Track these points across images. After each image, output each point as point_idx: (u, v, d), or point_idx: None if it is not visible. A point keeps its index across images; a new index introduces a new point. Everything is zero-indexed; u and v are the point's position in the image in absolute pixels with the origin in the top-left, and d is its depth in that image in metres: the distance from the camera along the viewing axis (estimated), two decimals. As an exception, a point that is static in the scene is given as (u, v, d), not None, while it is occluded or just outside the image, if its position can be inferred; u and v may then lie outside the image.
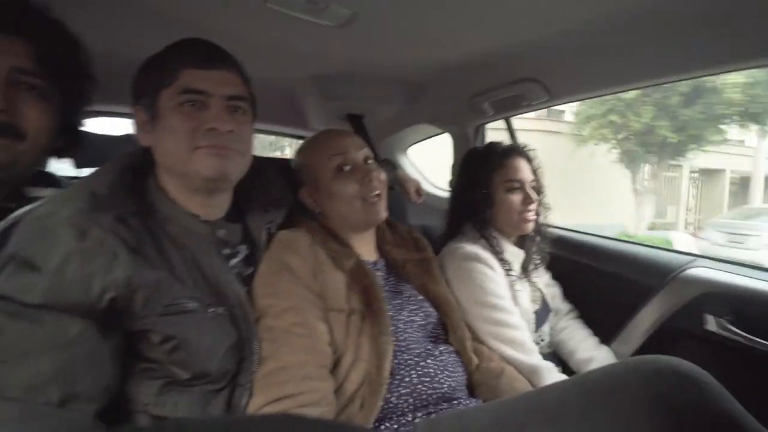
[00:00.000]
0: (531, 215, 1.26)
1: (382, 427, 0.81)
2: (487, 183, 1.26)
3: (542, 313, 1.29)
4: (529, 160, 1.31)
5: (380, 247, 1.10)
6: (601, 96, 1.25)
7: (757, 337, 0.98)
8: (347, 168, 0.99)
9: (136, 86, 0.78)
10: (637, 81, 1.09)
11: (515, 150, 1.30)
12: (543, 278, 1.39)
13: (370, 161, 1.02)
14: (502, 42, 1.12)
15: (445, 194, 2.20)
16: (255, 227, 0.89)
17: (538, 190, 1.31)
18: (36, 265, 0.61)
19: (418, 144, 2.24)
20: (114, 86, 0.83)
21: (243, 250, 0.87)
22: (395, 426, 0.82)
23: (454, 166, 1.86)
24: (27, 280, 0.60)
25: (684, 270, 1.15)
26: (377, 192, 0.98)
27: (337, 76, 1.52)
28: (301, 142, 1.25)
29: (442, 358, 0.94)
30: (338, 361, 0.84)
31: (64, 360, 0.59)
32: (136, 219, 0.70)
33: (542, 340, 1.28)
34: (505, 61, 1.22)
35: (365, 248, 1.05)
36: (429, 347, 0.95)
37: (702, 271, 1.11)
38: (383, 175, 1.03)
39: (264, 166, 0.92)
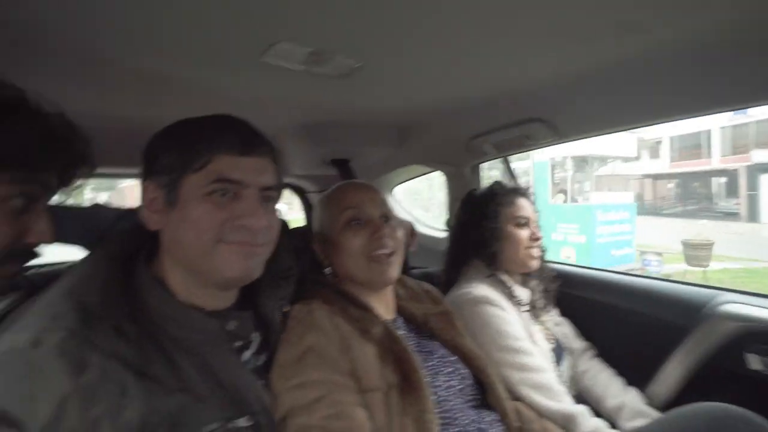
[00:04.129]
0: (537, 252, 1.27)
1: None
2: (495, 218, 1.26)
3: (558, 352, 1.25)
4: (531, 201, 1.33)
5: (395, 303, 1.00)
6: (610, 133, 1.23)
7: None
8: (358, 223, 0.92)
9: (151, 159, 0.67)
10: (648, 118, 1.08)
11: (521, 191, 1.33)
12: (551, 316, 1.35)
13: (389, 219, 0.95)
14: (506, 82, 1.09)
15: (440, 234, 2.13)
16: (269, 309, 0.78)
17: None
18: (18, 420, 0.47)
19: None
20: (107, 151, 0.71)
21: (256, 339, 0.75)
22: None
23: (450, 204, 1.81)
24: None
25: (716, 306, 1.11)
26: (386, 251, 0.90)
27: (328, 123, 1.45)
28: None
29: (492, 430, 0.85)
30: None
31: None
32: (134, 326, 0.58)
33: (564, 383, 1.19)
34: (509, 102, 1.20)
35: (383, 308, 0.95)
36: (474, 416, 0.86)
37: (737, 307, 1.08)
38: (400, 234, 0.95)
39: None
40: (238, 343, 0.71)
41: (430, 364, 0.89)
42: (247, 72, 0.95)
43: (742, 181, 16.50)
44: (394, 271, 0.91)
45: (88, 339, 0.52)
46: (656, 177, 21.03)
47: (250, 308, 0.76)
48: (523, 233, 1.25)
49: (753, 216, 15.44)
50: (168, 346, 0.60)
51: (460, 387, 0.89)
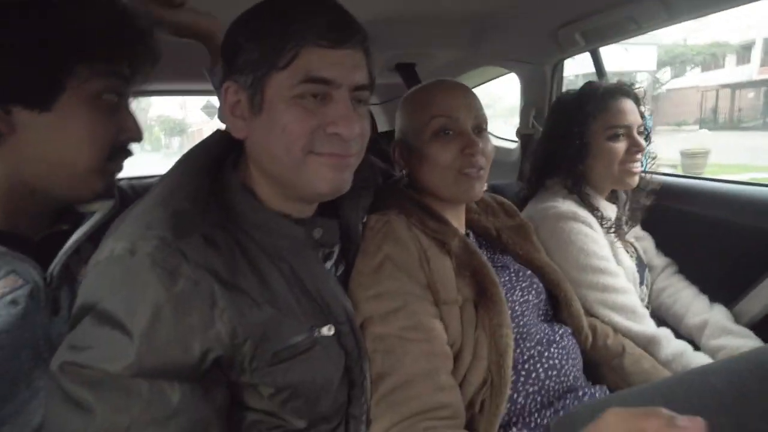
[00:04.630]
0: (637, 166, 1.08)
1: None
2: (583, 131, 1.08)
3: (640, 269, 1.15)
4: (637, 100, 1.11)
5: (466, 217, 0.95)
6: (727, 9, 0.99)
7: None
8: (449, 133, 0.83)
9: (231, 55, 0.59)
10: None
11: (620, 89, 1.09)
12: (633, 230, 1.23)
13: (482, 129, 0.85)
14: None
15: (510, 144, 1.99)
16: (353, 219, 0.75)
17: (646, 136, 1.12)
18: (122, 323, 0.48)
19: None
20: None
21: (337, 248, 0.73)
22: (524, 431, 0.72)
23: (523, 111, 1.65)
24: (111, 342, 0.48)
25: None
26: (478, 167, 0.82)
27: (387, 20, 1.30)
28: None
29: (564, 343, 0.82)
30: (455, 359, 0.73)
31: None
32: (224, 234, 0.56)
33: (642, 300, 1.13)
34: None
35: (458, 222, 0.90)
36: (548, 331, 0.83)
37: None
38: (491, 147, 0.86)
39: None
40: (322, 252, 0.69)
41: (505, 278, 0.85)
42: None
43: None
44: (482, 187, 0.84)
45: (179, 248, 0.51)
46: (735, 87, 18.29)
47: (334, 217, 0.73)
48: (619, 146, 1.06)
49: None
50: (256, 255, 0.58)
51: (535, 301, 0.85)
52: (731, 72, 18.08)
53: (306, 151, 0.57)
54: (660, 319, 1.15)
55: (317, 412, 0.60)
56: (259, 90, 0.57)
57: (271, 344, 0.55)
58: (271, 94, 0.57)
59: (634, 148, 1.06)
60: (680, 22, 1.04)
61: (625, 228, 1.18)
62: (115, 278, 0.50)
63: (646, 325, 0.97)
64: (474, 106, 0.84)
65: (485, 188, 0.88)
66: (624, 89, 1.09)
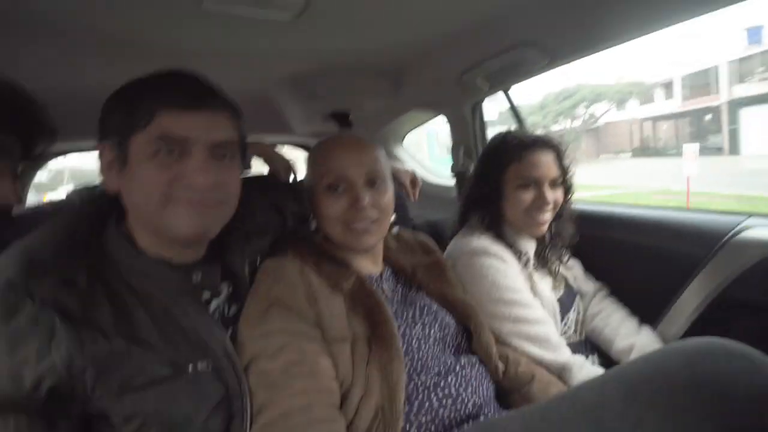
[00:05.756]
0: (543, 217, 1.11)
1: None
2: (498, 177, 1.13)
3: (567, 299, 1.17)
4: (557, 152, 1.13)
5: (385, 255, 0.99)
6: (606, 49, 1.09)
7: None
8: (339, 188, 0.87)
9: (103, 121, 0.66)
10: (647, 27, 0.94)
11: (539, 142, 1.12)
12: (561, 260, 1.26)
13: (375, 183, 0.88)
14: (489, 7, 0.99)
15: (446, 182, 2.07)
16: (236, 264, 0.79)
17: (566, 187, 1.16)
18: None
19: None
20: (73, 122, 0.73)
21: (225, 288, 0.76)
22: None
23: (453, 149, 1.73)
24: None
25: (737, 233, 0.99)
26: (363, 224, 0.86)
27: (312, 73, 1.39)
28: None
29: (465, 372, 0.84)
30: (346, 396, 0.74)
31: None
32: (90, 278, 0.60)
33: (569, 329, 1.16)
34: (496, 28, 1.09)
35: (367, 261, 0.93)
36: (449, 361, 0.84)
37: (760, 232, 0.96)
38: (386, 199, 0.89)
39: (246, 189, 0.79)
40: (206, 294, 0.72)
41: (409, 314, 0.87)
42: (199, 25, 0.90)
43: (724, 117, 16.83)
44: (373, 239, 0.88)
45: (25, 289, 0.54)
46: (655, 119, 21.50)
47: (218, 261, 0.77)
48: (526, 196, 1.09)
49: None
50: (123, 296, 0.62)
51: (439, 335, 0.87)
52: (660, 105, 20.65)
53: (165, 201, 0.63)
54: (594, 345, 1.17)
55: None
56: (124, 149, 0.63)
57: (118, 372, 0.57)
58: (134, 152, 0.63)
59: (539, 201, 1.09)
60: (563, 64, 1.14)
61: (550, 258, 1.20)
62: None
63: (559, 354, 0.98)
64: (366, 162, 0.87)
65: (383, 235, 0.91)
66: (543, 142, 1.12)
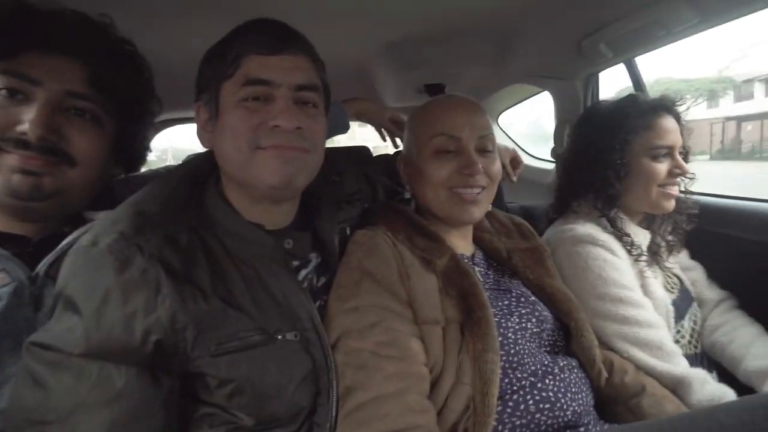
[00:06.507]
0: (675, 189, 1.01)
1: None
2: (624, 149, 1.00)
3: (682, 304, 1.02)
4: (678, 119, 1.02)
5: (476, 236, 0.91)
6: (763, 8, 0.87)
7: None
8: (450, 152, 0.80)
9: (198, 80, 0.69)
10: None
11: (664, 105, 1.01)
12: (679, 259, 1.11)
13: (487, 149, 0.82)
14: None
15: (546, 165, 1.90)
16: (326, 231, 0.77)
17: (686, 157, 1.04)
18: (77, 306, 0.53)
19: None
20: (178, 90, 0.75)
21: (314, 258, 0.75)
22: None
23: (557, 129, 1.57)
24: (69, 324, 0.53)
25: None
26: (475, 190, 0.79)
27: (413, 38, 1.31)
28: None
29: (564, 375, 0.75)
30: (435, 383, 0.69)
31: (113, 416, 0.51)
32: (191, 236, 0.61)
33: (683, 338, 1.00)
34: None
35: (460, 239, 0.86)
36: (547, 362, 0.75)
37: None
38: (496, 168, 0.82)
39: (335, 157, 0.79)
40: (295, 262, 0.71)
41: (504, 303, 0.79)
42: None
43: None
44: (480, 210, 0.81)
45: (135, 243, 0.56)
46: (740, 119, 17.54)
47: (309, 229, 0.76)
48: (661, 167, 0.98)
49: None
50: (220, 257, 0.62)
51: (535, 330, 0.78)
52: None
53: (252, 147, 0.62)
54: (713, 361, 1.02)
55: (267, 413, 0.60)
56: (215, 102, 0.66)
57: (214, 334, 0.58)
58: (223, 102, 0.65)
59: (676, 170, 0.98)
60: (714, 26, 0.94)
61: (665, 256, 1.06)
62: (77, 266, 0.56)
63: (675, 364, 0.85)
64: (479, 125, 0.81)
65: (488, 209, 0.84)
66: (668, 105, 1.01)
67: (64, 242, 0.64)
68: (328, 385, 0.64)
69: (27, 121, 0.61)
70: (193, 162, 0.73)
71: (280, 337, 0.61)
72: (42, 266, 0.62)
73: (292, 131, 0.63)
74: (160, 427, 0.55)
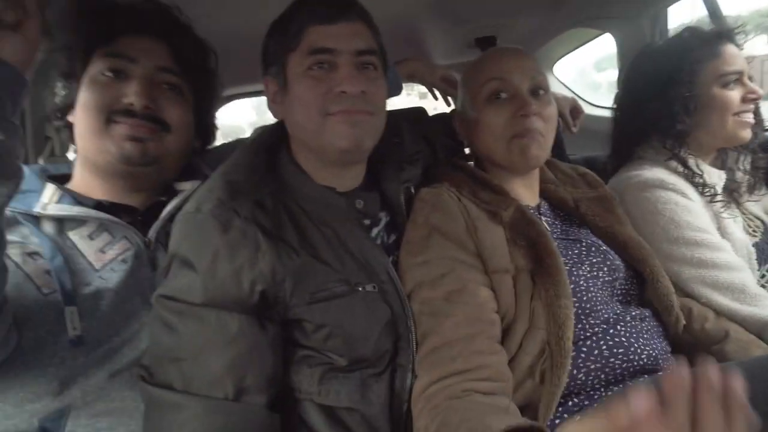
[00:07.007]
0: (750, 117, 0.97)
1: (570, 402, 0.69)
2: (692, 81, 0.95)
3: (766, 246, 0.97)
4: (740, 46, 0.99)
5: (541, 187, 0.91)
6: None
7: None
8: (503, 96, 0.81)
9: (264, 54, 0.74)
10: None
11: (726, 34, 0.98)
12: (764, 202, 1.05)
13: (540, 92, 0.82)
14: None
15: (607, 113, 1.80)
16: (392, 191, 0.81)
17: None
18: (192, 263, 0.61)
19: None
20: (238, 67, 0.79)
21: (383, 217, 0.80)
22: (585, 402, 0.69)
23: (620, 75, 1.48)
24: (187, 279, 0.61)
25: None
26: (531, 132, 0.79)
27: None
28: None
29: (635, 323, 0.75)
30: (509, 329, 0.72)
31: (232, 355, 0.59)
32: (274, 200, 0.67)
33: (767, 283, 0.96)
34: None
35: (524, 189, 0.87)
36: (618, 311, 0.76)
37: None
38: (552, 111, 0.82)
39: (393, 120, 0.81)
40: (367, 221, 0.76)
41: (574, 252, 0.80)
42: None
43: None
44: (540, 152, 0.80)
45: (232, 207, 0.63)
46: None
47: (376, 190, 0.81)
48: (734, 95, 0.95)
49: None
50: (301, 218, 0.68)
51: (607, 279, 0.79)
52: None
53: (323, 114, 0.67)
54: None
55: (357, 354, 0.66)
56: (282, 74, 0.70)
57: (308, 284, 0.64)
58: (291, 74, 0.69)
59: (750, 95, 0.95)
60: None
61: (744, 197, 1.02)
62: (187, 229, 0.64)
63: (762, 307, 0.81)
64: (529, 68, 0.82)
65: (549, 154, 0.84)
66: (728, 33, 0.99)
67: (166, 211, 0.74)
68: (407, 331, 0.69)
69: (131, 93, 0.70)
70: (264, 133, 0.78)
71: (360, 288, 0.67)
72: (152, 232, 0.72)
73: (358, 95, 0.67)
74: (271, 365, 0.63)
